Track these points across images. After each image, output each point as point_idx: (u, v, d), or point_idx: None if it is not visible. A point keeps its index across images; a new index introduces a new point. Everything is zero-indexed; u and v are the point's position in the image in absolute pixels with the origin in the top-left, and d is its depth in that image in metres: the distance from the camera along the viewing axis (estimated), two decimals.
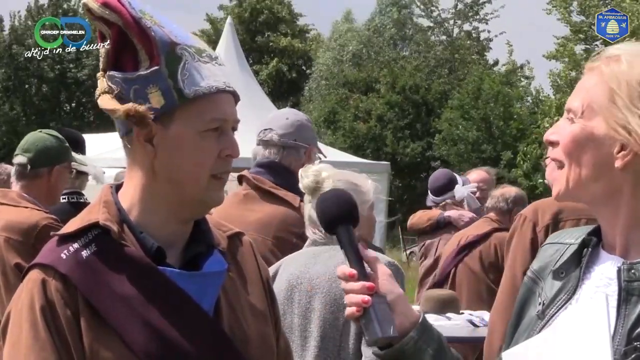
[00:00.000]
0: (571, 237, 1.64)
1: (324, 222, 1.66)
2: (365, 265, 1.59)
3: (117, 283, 1.62)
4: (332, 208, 1.64)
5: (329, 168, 3.02)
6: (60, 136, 4.03)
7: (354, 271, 1.55)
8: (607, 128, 1.46)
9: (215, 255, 1.74)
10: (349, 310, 1.53)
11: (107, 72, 1.68)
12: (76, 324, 1.59)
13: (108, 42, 1.69)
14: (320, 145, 3.76)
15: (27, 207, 3.74)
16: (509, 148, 24.09)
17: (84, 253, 1.63)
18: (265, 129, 3.38)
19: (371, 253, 1.61)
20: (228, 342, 1.68)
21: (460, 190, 6.26)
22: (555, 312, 1.53)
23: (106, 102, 1.66)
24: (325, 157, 3.67)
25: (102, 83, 1.68)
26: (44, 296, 1.60)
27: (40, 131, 4.13)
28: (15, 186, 3.90)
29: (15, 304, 1.64)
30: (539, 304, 1.58)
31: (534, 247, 3.21)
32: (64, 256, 1.63)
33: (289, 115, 3.47)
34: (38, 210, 3.74)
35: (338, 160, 15.16)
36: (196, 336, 1.64)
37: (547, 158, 3.47)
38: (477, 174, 6.48)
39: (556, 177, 1.56)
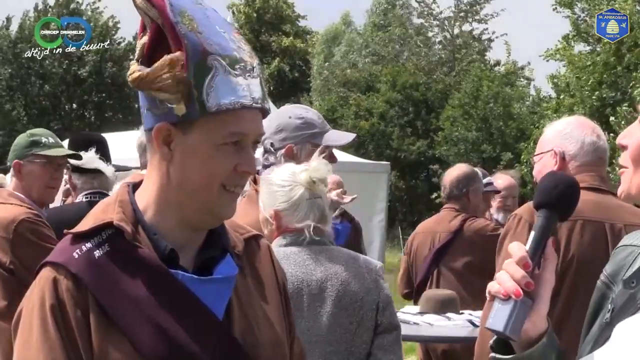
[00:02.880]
0: None
1: (543, 195, 1.51)
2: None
3: (127, 284, 1.61)
4: (557, 189, 1.50)
5: (325, 163, 2.95)
6: (33, 132, 4.12)
7: (531, 264, 1.45)
8: None
9: (228, 260, 1.72)
10: (495, 287, 1.45)
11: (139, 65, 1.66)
12: (85, 324, 1.58)
13: (147, 34, 1.68)
14: None
15: (12, 204, 3.84)
16: (509, 148, 24.06)
17: (97, 253, 1.62)
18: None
19: (553, 255, 1.49)
20: (237, 346, 1.67)
21: None
22: None
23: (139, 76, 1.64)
24: (332, 145, 3.48)
25: (134, 66, 1.67)
26: (55, 295, 1.59)
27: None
28: (11, 185, 4.05)
29: (27, 302, 1.64)
30: (609, 310, 1.54)
31: None
32: (76, 255, 1.62)
33: (272, 116, 3.47)
34: (20, 206, 3.82)
35: (339, 159, 15.12)
36: (205, 340, 1.62)
37: (536, 155, 3.45)
38: (503, 180, 6.22)
39: (621, 178, 1.53)
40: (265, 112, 1.70)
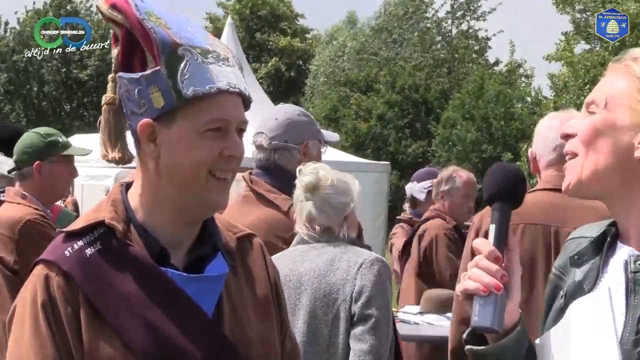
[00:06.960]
0: (592, 231, 1.64)
1: (493, 188, 1.56)
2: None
3: (118, 282, 1.63)
4: (506, 181, 1.56)
5: (325, 167, 3.05)
6: (46, 132, 4.09)
7: (500, 255, 1.48)
8: (632, 118, 1.47)
9: (219, 258, 1.74)
10: (473, 286, 1.46)
11: (117, 74, 1.69)
12: (76, 321, 1.60)
13: (119, 44, 1.71)
14: None
15: (19, 204, 3.83)
16: (510, 148, 24.07)
17: (88, 251, 1.65)
18: (257, 133, 3.35)
19: (515, 243, 1.54)
20: (227, 343, 1.68)
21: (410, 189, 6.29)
22: None
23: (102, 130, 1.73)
24: (332, 142, 3.65)
25: (110, 89, 1.71)
26: (47, 292, 1.62)
27: (28, 131, 4.21)
28: (17, 185, 4.00)
29: (20, 299, 1.67)
30: (561, 296, 1.59)
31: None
32: (67, 253, 1.65)
33: (278, 115, 3.41)
34: (28, 206, 3.82)
35: (339, 159, 15.14)
36: (195, 337, 1.64)
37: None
38: None
39: (568, 168, 1.55)
40: (246, 100, 1.72)
